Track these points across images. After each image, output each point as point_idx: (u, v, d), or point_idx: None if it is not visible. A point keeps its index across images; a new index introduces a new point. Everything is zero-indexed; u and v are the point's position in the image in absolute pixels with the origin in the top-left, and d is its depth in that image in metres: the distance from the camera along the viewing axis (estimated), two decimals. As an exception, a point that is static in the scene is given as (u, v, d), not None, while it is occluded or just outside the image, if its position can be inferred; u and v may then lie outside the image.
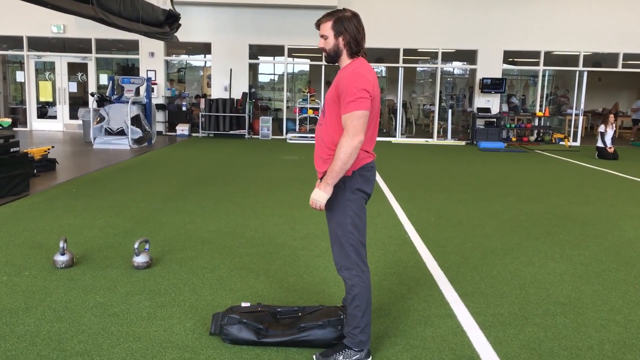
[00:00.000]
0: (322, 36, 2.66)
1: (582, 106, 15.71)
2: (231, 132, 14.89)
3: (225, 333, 2.88)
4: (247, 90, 15.31)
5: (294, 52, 16.06)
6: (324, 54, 2.71)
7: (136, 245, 4.00)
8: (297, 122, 15.71)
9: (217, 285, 3.73)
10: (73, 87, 15.99)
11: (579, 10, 15.14)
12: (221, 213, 5.87)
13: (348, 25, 2.59)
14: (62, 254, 4.00)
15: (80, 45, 15.80)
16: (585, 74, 15.47)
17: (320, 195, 2.58)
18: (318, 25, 2.68)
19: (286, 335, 2.85)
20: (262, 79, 20.23)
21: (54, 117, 16.06)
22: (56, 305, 3.32)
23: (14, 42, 15.67)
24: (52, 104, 16.03)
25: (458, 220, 5.82)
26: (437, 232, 5.30)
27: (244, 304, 3.08)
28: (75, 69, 15.96)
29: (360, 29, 2.63)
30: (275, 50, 16.19)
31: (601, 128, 12.03)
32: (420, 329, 3.13)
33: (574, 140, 15.65)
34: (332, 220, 2.70)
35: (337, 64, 2.71)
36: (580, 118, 15.86)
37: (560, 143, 15.17)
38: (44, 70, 16.16)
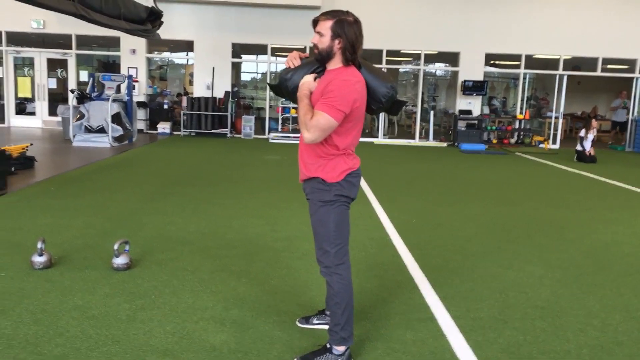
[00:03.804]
0: (317, 33, 2.59)
1: (561, 109, 15.90)
2: (213, 130, 14.81)
3: None
4: (229, 89, 15.23)
5: (277, 51, 16.02)
6: (315, 51, 2.65)
7: (116, 247, 3.96)
8: (280, 122, 15.68)
9: (198, 287, 3.71)
10: (52, 84, 15.75)
11: (559, 14, 15.32)
12: (202, 214, 5.83)
13: (348, 30, 2.54)
14: (40, 255, 3.93)
15: (60, 41, 15.58)
16: (565, 77, 15.66)
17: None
18: (316, 21, 2.61)
19: None
20: (244, 77, 20.16)
21: (33, 114, 15.81)
22: (33, 308, 3.27)
23: (-8, 36, 15.42)
24: (31, 100, 15.78)
25: (438, 223, 5.85)
26: (418, 235, 5.33)
27: None
28: (55, 65, 15.73)
29: (360, 37, 2.58)
30: (258, 49, 16.14)
31: (582, 133, 12.19)
32: (401, 332, 3.14)
33: (554, 143, 15.84)
34: (316, 220, 2.71)
35: (325, 64, 2.66)
36: (560, 121, 16.06)
37: (540, 146, 15.34)
38: (23, 65, 15.90)
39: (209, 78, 15.24)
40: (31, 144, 9.06)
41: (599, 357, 2.93)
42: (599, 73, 15.80)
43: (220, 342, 2.94)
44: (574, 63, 16.48)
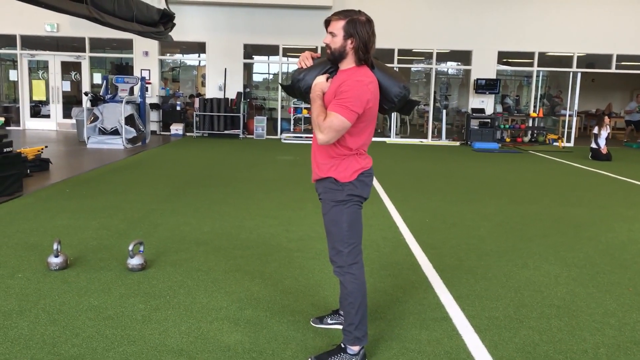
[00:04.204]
0: (330, 33, 2.59)
1: (575, 107, 15.77)
2: (225, 131, 14.86)
3: None
4: (241, 90, 15.28)
5: (288, 52, 16.03)
6: (327, 51, 2.65)
7: (130, 247, 3.98)
8: (292, 122, 15.70)
9: (212, 288, 3.72)
10: (66, 86, 15.90)
11: (572, 11, 15.20)
12: (215, 214, 5.85)
13: (360, 30, 2.54)
14: (56, 256, 3.97)
15: (74, 44, 15.72)
16: (579, 75, 15.53)
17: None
18: (328, 21, 2.61)
19: None
20: (256, 78, 20.18)
21: (47, 116, 15.97)
22: (50, 308, 3.30)
23: (7, 40, 15.58)
24: (46, 103, 15.94)
25: (452, 222, 5.83)
26: (432, 234, 5.31)
27: None
28: (69, 68, 15.88)
29: (372, 36, 2.57)
30: (270, 50, 16.16)
31: (595, 130, 12.08)
32: (416, 332, 3.13)
33: (568, 141, 15.71)
34: (329, 220, 2.71)
35: (338, 64, 2.66)
36: (574, 119, 15.92)
37: (554, 144, 15.23)
38: (38, 69, 16.06)
39: (221, 79, 15.29)
40: (46, 147, 9.15)
41: (616, 357, 2.90)
42: (613, 70, 15.65)
43: (235, 342, 2.94)
44: (587, 60, 16.33)
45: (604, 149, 11.89)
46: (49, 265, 3.97)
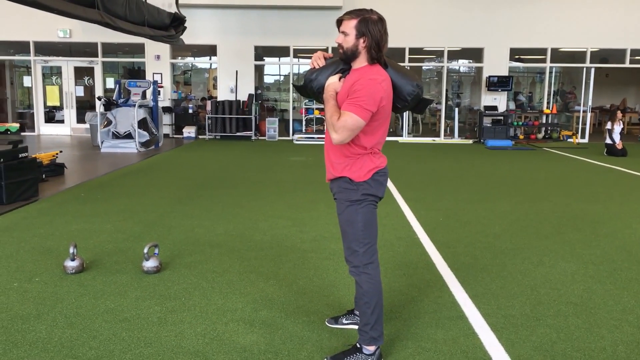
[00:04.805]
0: (342, 32, 2.59)
1: (589, 103, 15.62)
2: (238, 133, 14.91)
3: None
4: (253, 92, 15.32)
5: (299, 53, 16.05)
6: (340, 50, 2.65)
7: (145, 250, 4.00)
8: (304, 123, 15.71)
9: (227, 289, 3.73)
10: (80, 91, 16.04)
11: (585, 6, 15.06)
12: (229, 216, 5.87)
13: (373, 28, 2.53)
14: (72, 260, 4.01)
15: (86, 49, 15.85)
16: (593, 70, 15.38)
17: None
18: (340, 21, 2.61)
19: None
20: (267, 80, 20.23)
21: (62, 122, 16.12)
22: (67, 312, 3.33)
23: (21, 47, 15.75)
24: (60, 108, 16.09)
25: (467, 220, 5.80)
26: (446, 233, 5.28)
27: None
28: (82, 73, 16.02)
29: (384, 34, 2.57)
30: (280, 51, 16.19)
31: (608, 125, 11.97)
32: (432, 331, 3.12)
33: (582, 137, 15.57)
34: (344, 219, 2.71)
35: (350, 64, 2.66)
36: (588, 115, 15.77)
37: (569, 140, 15.09)
38: (51, 74, 16.22)
39: (232, 81, 15.34)
40: (61, 152, 9.23)
41: (635, 354, 2.87)
42: (627, 65, 15.48)
43: (251, 343, 2.95)
44: (601, 55, 16.17)
45: (619, 144, 11.77)
46: (66, 269, 4.00)
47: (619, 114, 12.05)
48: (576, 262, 4.39)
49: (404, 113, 15.39)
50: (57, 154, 8.65)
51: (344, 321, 3.16)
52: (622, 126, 12.06)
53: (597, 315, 3.36)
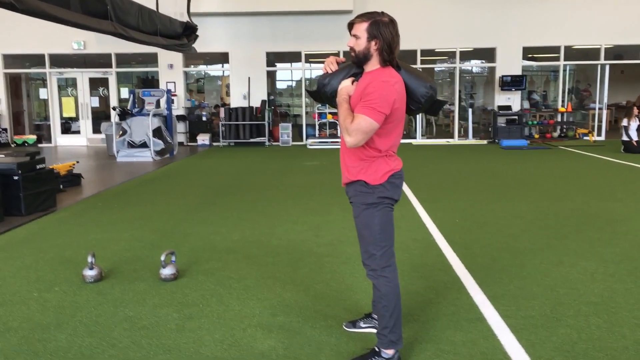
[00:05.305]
0: (354, 36, 2.59)
1: (605, 100, 15.46)
2: (251, 140, 14.97)
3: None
4: (265, 98, 15.37)
5: (311, 58, 16.09)
6: (351, 54, 2.65)
7: (162, 258, 4.03)
8: (317, 128, 15.72)
9: (244, 295, 3.74)
10: (95, 102, 16.22)
11: (597, 2, 14.91)
12: (245, 222, 5.89)
13: (384, 31, 2.53)
14: (91, 269, 4.04)
15: (100, 61, 16.02)
16: (607, 67, 15.23)
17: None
18: (352, 24, 2.61)
19: None
20: (280, 85, 20.29)
21: (78, 132, 16.30)
22: (87, 320, 3.36)
23: (36, 59, 15.97)
24: (75, 119, 16.28)
25: (484, 221, 5.76)
26: (463, 234, 5.25)
27: None
28: (97, 84, 16.20)
29: (396, 36, 2.56)
30: (292, 57, 16.24)
31: (624, 122, 11.83)
32: (450, 333, 3.09)
33: (599, 134, 15.41)
34: (360, 223, 2.71)
35: (363, 67, 2.66)
36: (604, 112, 15.60)
37: (585, 138, 14.94)
38: (66, 86, 16.42)
39: (245, 88, 15.41)
40: (77, 162, 9.33)
41: (659, 353, 2.82)
42: (643, 60, 15.31)
43: (269, 349, 2.95)
44: (615, 52, 16.00)
45: (636, 140, 11.62)
46: (84, 278, 4.04)
47: (635, 110, 11.90)
48: (596, 261, 4.34)
49: (418, 115, 15.36)
50: (74, 164, 8.74)
51: (362, 325, 3.15)
52: (638, 122, 11.90)
53: (618, 314, 3.32)
